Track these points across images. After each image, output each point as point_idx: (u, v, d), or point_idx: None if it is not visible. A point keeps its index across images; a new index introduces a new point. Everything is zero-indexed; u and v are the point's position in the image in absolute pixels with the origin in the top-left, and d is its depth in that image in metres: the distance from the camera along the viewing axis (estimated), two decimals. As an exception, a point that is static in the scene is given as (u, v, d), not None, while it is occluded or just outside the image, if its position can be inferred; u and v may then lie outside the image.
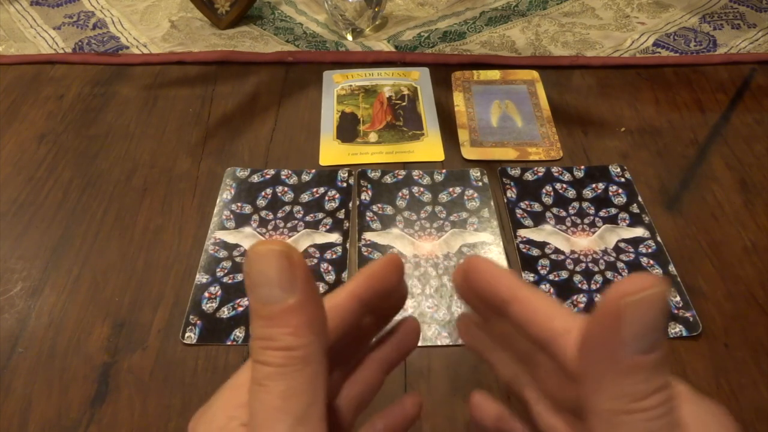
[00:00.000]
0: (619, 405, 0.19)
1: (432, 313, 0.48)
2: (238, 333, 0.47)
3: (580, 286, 0.49)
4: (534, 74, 0.71)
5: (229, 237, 0.53)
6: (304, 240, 0.53)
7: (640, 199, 0.56)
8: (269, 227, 0.54)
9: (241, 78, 0.71)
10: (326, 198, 0.57)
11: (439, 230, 0.54)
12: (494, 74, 0.71)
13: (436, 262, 0.51)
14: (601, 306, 0.19)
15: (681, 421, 0.19)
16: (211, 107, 0.67)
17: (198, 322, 0.47)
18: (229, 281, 0.50)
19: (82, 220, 0.55)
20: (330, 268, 0.51)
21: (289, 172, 0.59)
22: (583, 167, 0.59)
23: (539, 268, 0.51)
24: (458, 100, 0.68)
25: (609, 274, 0.50)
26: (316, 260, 0.52)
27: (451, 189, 0.57)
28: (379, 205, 0.56)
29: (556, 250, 0.52)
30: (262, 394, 0.20)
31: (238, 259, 0.52)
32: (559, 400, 0.23)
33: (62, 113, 0.67)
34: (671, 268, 0.50)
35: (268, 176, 0.59)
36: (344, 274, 0.50)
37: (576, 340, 0.21)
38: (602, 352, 0.19)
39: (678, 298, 0.48)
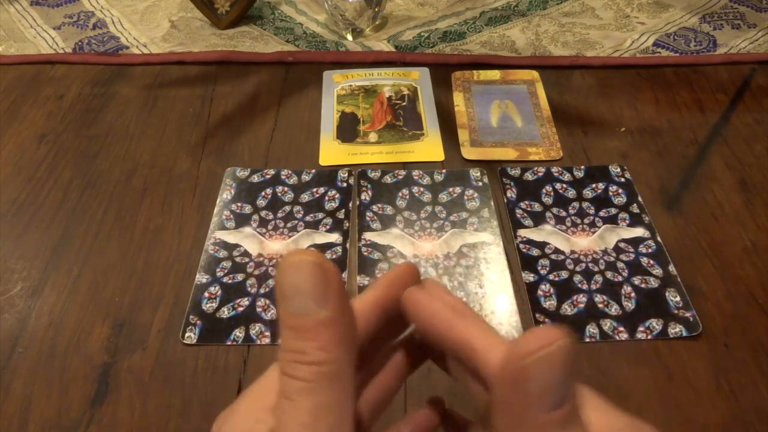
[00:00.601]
0: None
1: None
2: (238, 333, 0.47)
3: (580, 286, 0.49)
4: (534, 74, 0.71)
5: (229, 237, 0.53)
6: (304, 240, 0.53)
7: (640, 199, 0.56)
8: (269, 227, 0.54)
9: (241, 78, 0.71)
10: (326, 198, 0.57)
11: (439, 230, 0.54)
12: (494, 74, 0.71)
13: (436, 262, 0.51)
14: (506, 366, 0.19)
15: None
16: (211, 107, 0.67)
17: (198, 322, 0.47)
18: (229, 281, 0.50)
19: (82, 220, 0.55)
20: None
21: (289, 172, 0.59)
22: (583, 167, 0.59)
23: (539, 268, 0.51)
24: (458, 100, 0.68)
25: (609, 274, 0.50)
26: (316, 260, 0.51)
27: (451, 189, 0.57)
28: (379, 205, 0.56)
29: (556, 250, 0.52)
30: (291, 409, 0.20)
31: (237, 259, 0.52)
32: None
33: (62, 113, 0.67)
34: (671, 268, 0.50)
35: (268, 176, 0.59)
36: (344, 274, 0.50)
37: (498, 358, 0.20)
38: (512, 412, 0.19)
39: (678, 298, 0.48)
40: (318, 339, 0.20)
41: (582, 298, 0.48)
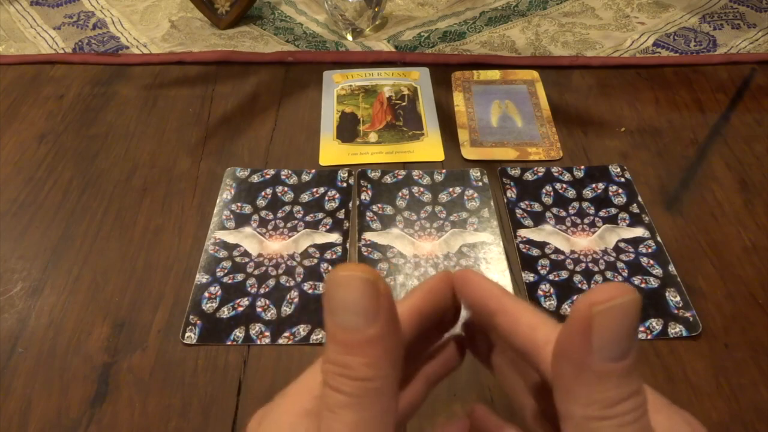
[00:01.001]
0: (590, 412, 0.19)
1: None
2: (238, 333, 0.47)
3: (580, 286, 0.49)
4: (534, 74, 0.71)
5: (229, 237, 0.53)
6: (304, 240, 0.53)
7: (640, 199, 0.56)
8: (269, 227, 0.54)
9: (241, 78, 0.71)
10: (326, 198, 0.57)
11: (439, 230, 0.54)
12: (494, 74, 0.71)
13: (436, 262, 0.51)
14: (573, 314, 0.19)
15: (652, 428, 0.19)
16: (211, 107, 0.67)
17: (198, 322, 0.47)
18: (229, 281, 0.50)
19: (82, 220, 0.55)
20: (330, 268, 0.51)
21: (289, 172, 0.59)
22: (583, 167, 0.59)
23: (539, 268, 0.51)
24: (458, 100, 0.68)
25: (609, 274, 0.50)
26: (316, 260, 0.52)
27: (451, 189, 0.57)
28: (379, 205, 0.56)
29: (556, 250, 0.52)
30: (333, 422, 0.20)
31: (237, 259, 0.52)
32: (543, 408, 0.24)
33: (62, 113, 0.67)
34: (671, 268, 0.50)
35: (268, 176, 0.59)
36: (344, 274, 0.50)
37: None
38: (574, 360, 0.19)
39: (678, 298, 0.48)
40: (365, 355, 0.20)
41: (582, 298, 0.48)
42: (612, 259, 0.51)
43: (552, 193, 0.57)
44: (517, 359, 0.25)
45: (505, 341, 0.24)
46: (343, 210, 0.56)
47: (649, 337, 0.46)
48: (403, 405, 0.25)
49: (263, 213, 0.56)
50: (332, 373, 0.20)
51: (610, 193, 0.57)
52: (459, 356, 0.28)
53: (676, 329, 0.46)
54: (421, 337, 0.25)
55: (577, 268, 0.51)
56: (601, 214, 0.55)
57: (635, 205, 0.55)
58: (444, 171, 0.59)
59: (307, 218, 0.55)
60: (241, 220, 0.55)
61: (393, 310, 0.20)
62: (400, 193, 0.57)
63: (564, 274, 0.50)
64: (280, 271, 0.51)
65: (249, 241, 0.53)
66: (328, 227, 0.54)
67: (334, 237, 0.53)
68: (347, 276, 0.20)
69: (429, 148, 0.62)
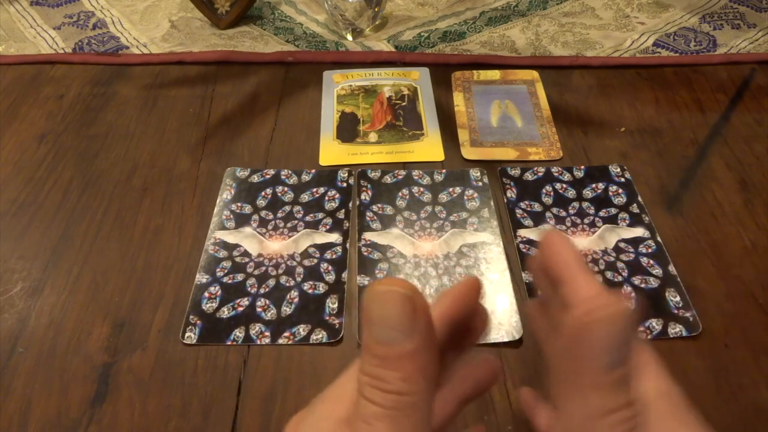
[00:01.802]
0: (586, 417, 0.19)
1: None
2: (238, 333, 0.47)
3: (580, 286, 0.49)
4: (534, 74, 0.71)
5: (229, 237, 0.53)
6: (304, 240, 0.53)
7: (640, 199, 0.56)
8: (269, 227, 0.54)
9: (241, 78, 0.71)
10: (326, 198, 0.57)
11: (439, 230, 0.54)
12: (494, 74, 0.71)
13: (436, 262, 0.51)
14: (570, 322, 0.19)
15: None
16: (211, 107, 0.67)
17: (198, 322, 0.47)
18: (229, 281, 0.50)
19: (82, 220, 0.55)
20: (330, 268, 0.51)
21: (289, 172, 0.59)
22: (583, 167, 0.59)
23: (539, 268, 0.51)
24: (458, 100, 0.68)
25: (609, 274, 0.50)
26: (316, 260, 0.52)
27: (451, 189, 0.57)
28: (379, 205, 0.56)
29: (556, 250, 0.52)
30: None
31: (237, 259, 0.52)
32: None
33: (62, 113, 0.67)
34: (671, 268, 0.50)
35: (268, 176, 0.59)
36: (344, 274, 0.50)
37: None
38: (572, 367, 0.19)
39: (678, 298, 0.48)
40: (401, 370, 0.20)
41: (582, 298, 0.48)
42: (612, 259, 0.51)
43: (552, 193, 0.57)
44: None
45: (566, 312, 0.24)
46: (343, 210, 0.56)
47: (649, 337, 0.46)
48: (435, 421, 0.25)
49: (263, 213, 0.56)
50: (367, 384, 0.21)
51: (610, 193, 0.57)
52: (491, 379, 0.28)
53: (676, 329, 0.46)
54: (451, 344, 0.25)
55: (577, 268, 0.50)
56: (601, 214, 0.55)
57: (635, 205, 0.55)
58: (444, 171, 0.59)
59: (307, 218, 0.55)
60: (241, 220, 0.55)
61: (429, 326, 0.21)
62: (400, 193, 0.57)
63: (564, 274, 0.50)
64: (280, 271, 0.51)
65: (249, 241, 0.53)
66: (328, 227, 0.54)
67: (334, 237, 0.53)
68: (386, 291, 0.20)
69: (429, 148, 0.62)
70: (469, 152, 0.61)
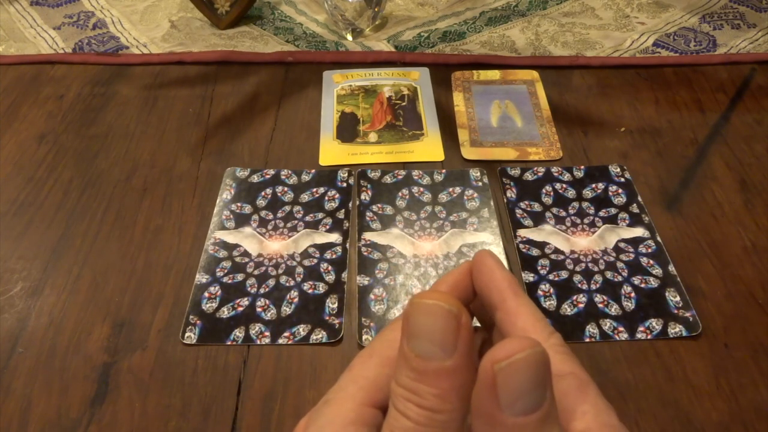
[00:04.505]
0: None
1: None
2: (238, 333, 0.47)
3: (579, 286, 0.49)
4: (534, 74, 0.71)
5: (229, 237, 0.53)
6: (303, 240, 0.53)
7: (640, 199, 0.56)
8: (269, 227, 0.54)
9: (241, 78, 0.71)
10: (326, 198, 0.57)
11: (439, 230, 0.54)
12: (494, 74, 0.71)
13: (436, 262, 0.51)
14: (479, 371, 0.19)
15: None
16: (211, 107, 0.67)
17: (198, 322, 0.47)
18: (229, 281, 0.50)
19: (82, 220, 0.55)
20: (330, 268, 0.51)
21: (289, 172, 0.59)
22: (582, 167, 0.59)
23: (539, 268, 0.51)
24: (458, 100, 0.68)
25: (609, 274, 0.50)
26: (316, 260, 0.52)
27: (451, 189, 0.57)
28: (379, 205, 0.56)
29: (556, 250, 0.52)
30: None
31: (237, 259, 0.52)
32: None
33: (62, 113, 0.67)
34: (671, 268, 0.50)
35: (268, 176, 0.59)
36: (344, 274, 0.50)
37: None
38: (486, 416, 0.19)
39: (678, 298, 0.48)
40: (437, 386, 0.20)
41: (582, 298, 0.48)
42: (612, 259, 0.51)
43: (552, 193, 0.57)
44: None
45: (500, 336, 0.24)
46: (343, 210, 0.56)
47: (649, 337, 0.46)
48: None
49: (263, 213, 0.56)
50: (401, 396, 0.20)
51: (610, 193, 0.57)
52: None
53: (676, 329, 0.46)
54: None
55: (577, 268, 0.51)
56: (601, 214, 0.55)
57: (635, 205, 0.55)
58: (444, 171, 0.59)
59: (307, 218, 0.55)
60: (241, 220, 0.55)
61: (471, 346, 0.20)
62: (400, 193, 0.57)
63: (564, 274, 0.50)
64: (280, 271, 0.51)
65: (249, 241, 0.53)
66: (328, 227, 0.54)
67: (334, 237, 0.53)
68: (432, 304, 0.20)
69: (429, 148, 0.62)
70: (469, 152, 0.61)
